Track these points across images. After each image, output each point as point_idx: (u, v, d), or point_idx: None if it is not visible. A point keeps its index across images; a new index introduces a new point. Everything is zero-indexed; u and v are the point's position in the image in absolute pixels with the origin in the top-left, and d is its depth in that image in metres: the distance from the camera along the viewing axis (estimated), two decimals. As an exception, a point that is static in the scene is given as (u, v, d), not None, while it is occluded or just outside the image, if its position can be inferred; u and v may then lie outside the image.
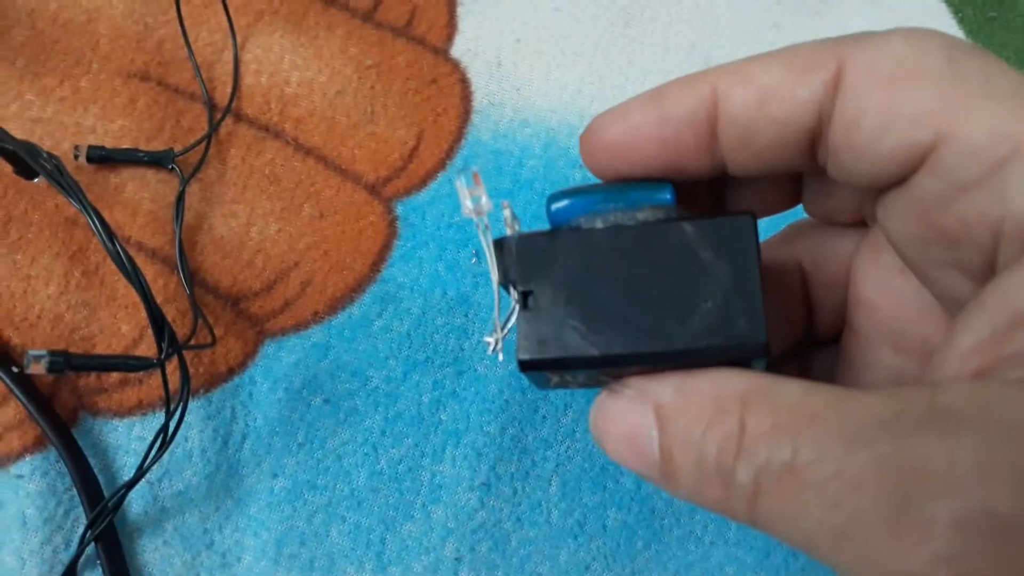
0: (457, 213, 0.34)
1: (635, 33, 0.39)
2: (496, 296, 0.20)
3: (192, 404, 0.30)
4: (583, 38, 0.39)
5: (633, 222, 0.19)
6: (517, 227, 0.20)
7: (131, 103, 0.35)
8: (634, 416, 0.19)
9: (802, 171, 0.20)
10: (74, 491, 0.29)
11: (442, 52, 0.38)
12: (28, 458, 0.29)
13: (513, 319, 0.19)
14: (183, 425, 0.28)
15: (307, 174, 0.34)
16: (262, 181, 0.34)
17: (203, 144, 0.34)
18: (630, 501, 0.30)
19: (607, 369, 0.19)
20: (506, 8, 0.39)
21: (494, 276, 0.19)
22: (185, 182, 0.33)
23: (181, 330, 0.31)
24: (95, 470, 0.29)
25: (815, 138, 0.19)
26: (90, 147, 0.33)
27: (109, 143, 0.34)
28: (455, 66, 0.37)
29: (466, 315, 0.33)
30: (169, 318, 0.28)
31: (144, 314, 0.28)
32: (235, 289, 0.32)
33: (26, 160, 0.28)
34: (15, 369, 0.29)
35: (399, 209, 0.34)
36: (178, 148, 0.34)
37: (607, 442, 0.19)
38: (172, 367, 0.29)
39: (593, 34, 0.39)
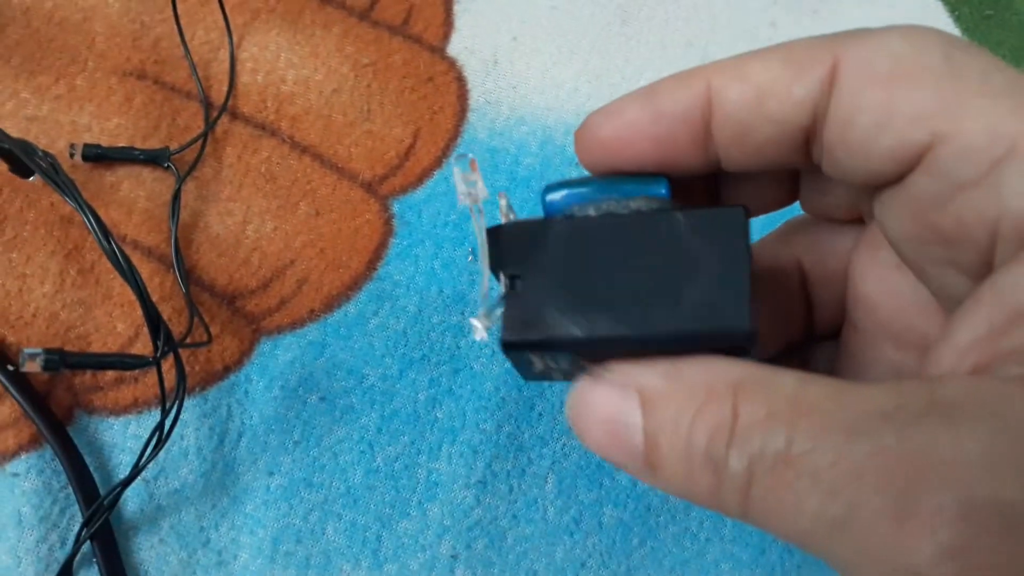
0: (453, 211, 0.34)
1: (632, 31, 0.39)
2: (485, 281, 0.19)
3: (188, 402, 0.30)
4: (580, 36, 0.39)
5: (626, 211, 0.19)
6: (513, 218, 0.20)
7: (127, 101, 0.35)
8: (616, 401, 0.18)
9: (797, 168, 0.20)
10: (70, 489, 0.29)
11: (438, 50, 0.38)
12: (24, 456, 0.29)
13: (501, 305, 0.19)
14: (179, 423, 0.28)
15: (303, 172, 0.34)
16: (258, 179, 0.34)
17: (199, 142, 0.34)
18: (626, 498, 0.30)
19: (590, 352, 0.18)
20: (503, 6, 0.39)
21: (484, 261, 0.19)
22: (181, 180, 0.33)
23: (177, 328, 0.31)
24: (91, 468, 0.29)
25: (810, 135, 0.19)
26: (86, 145, 0.33)
27: (105, 141, 0.34)
28: (451, 64, 0.37)
29: (462, 313, 0.33)
30: (165, 316, 0.28)
31: (140, 312, 0.27)
32: (231, 287, 0.32)
33: (22, 158, 0.28)
34: (10, 367, 0.29)
35: (395, 207, 0.34)
36: (174, 146, 0.34)
37: (585, 428, 0.19)
38: (168, 365, 0.29)
39: (590, 32, 0.39)
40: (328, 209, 0.34)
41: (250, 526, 0.29)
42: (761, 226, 0.25)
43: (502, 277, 0.19)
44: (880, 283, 0.21)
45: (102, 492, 0.29)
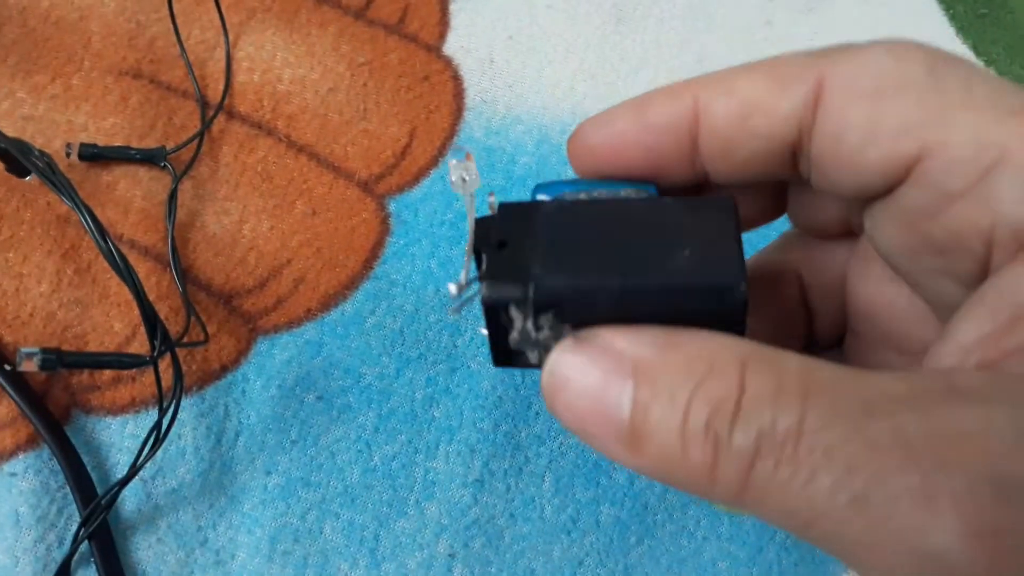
0: (450, 210, 0.34)
1: (627, 30, 0.39)
2: (468, 253, 0.19)
3: (185, 402, 0.30)
4: (575, 35, 0.39)
5: (616, 198, 0.20)
6: None
7: (123, 101, 0.35)
8: (604, 367, 0.17)
9: (784, 181, 0.21)
10: (67, 489, 0.29)
11: (435, 49, 0.38)
12: (21, 456, 0.29)
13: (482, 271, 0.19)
14: (176, 423, 0.28)
15: (299, 171, 0.34)
16: (255, 178, 0.34)
17: (195, 142, 0.34)
18: (623, 497, 0.31)
19: (575, 310, 0.18)
20: (498, 5, 0.39)
21: (469, 243, 0.19)
22: (177, 180, 0.33)
23: (174, 328, 0.31)
24: (88, 468, 0.29)
25: (796, 149, 0.19)
26: (82, 145, 0.33)
27: (101, 141, 0.34)
28: (447, 63, 0.38)
29: (459, 312, 0.33)
30: (162, 316, 0.28)
31: (137, 312, 0.27)
32: (228, 286, 0.32)
33: (18, 158, 0.28)
34: (7, 367, 0.29)
35: (392, 206, 0.34)
36: (170, 146, 0.34)
37: (563, 395, 0.17)
38: (165, 365, 0.29)
39: (585, 31, 0.39)
40: (324, 208, 0.34)
41: (248, 525, 0.29)
42: (755, 241, 0.25)
43: (489, 246, 0.19)
44: (876, 295, 0.22)
45: (100, 492, 0.29)
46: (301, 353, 0.32)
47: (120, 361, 0.28)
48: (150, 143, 0.34)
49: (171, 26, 0.36)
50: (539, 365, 0.19)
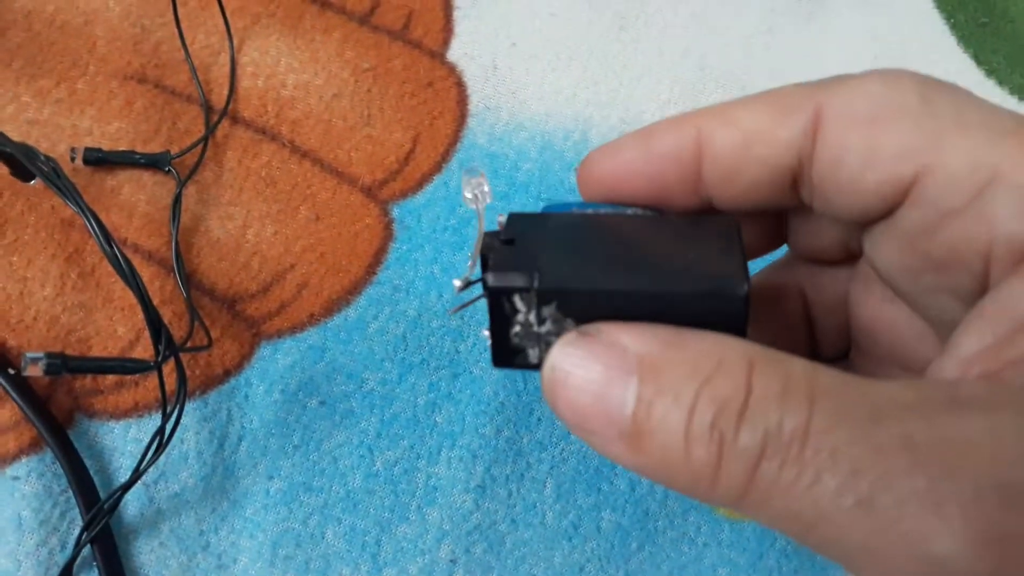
0: (453, 215, 0.34)
1: (630, 37, 0.40)
2: (477, 250, 0.19)
3: (188, 406, 0.30)
4: (578, 42, 0.39)
5: (623, 214, 0.21)
6: None
7: (128, 105, 0.35)
8: (608, 362, 0.16)
9: (784, 208, 0.21)
10: (70, 493, 0.29)
11: (438, 56, 0.38)
12: (24, 460, 0.29)
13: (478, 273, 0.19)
14: (179, 427, 0.28)
15: (303, 176, 0.35)
16: (258, 183, 0.34)
17: (200, 146, 0.34)
18: (624, 503, 0.31)
19: (579, 305, 0.18)
20: (502, 12, 0.39)
21: (476, 248, 0.19)
22: (182, 184, 0.33)
23: (177, 332, 0.31)
24: (91, 472, 0.29)
25: (796, 176, 0.20)
26: (87, 149, 0.33)
27: (106, 145, 0.34)
28: (451, 70, 0.38)
29: (462, 317, 0.33)
30: (165, 320, 0.28)
31: (140, 316, 0.28)
32: (231, 291, 0.32)
33: (23, 162, 0.28)
34: (11, 371, 0.29)
35: (395, 212, 0.34)
36: (175, 150, 0.34)
37: (564, 392, 0.17)
38: (168, 369, 0.29)
39: (588, 38, 0.39)
40: (328, 213, 0.34)
41: (250, 530, 0.29)
42: (760, 264, 0.25)
43: (496, 247, 0.19)
44: (877, 315, 0.22)
45: (102, 496, 0.29)
46: (304, 358, 0.32)
47: (124, 366, 0.28)
48: (154, 148, 0.34)
49: (176, 31, 0.36)
50: (539, 365, 0.19)
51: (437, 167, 0.35)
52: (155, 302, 0.28)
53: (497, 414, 0.31)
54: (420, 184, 0.35)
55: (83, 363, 0.28)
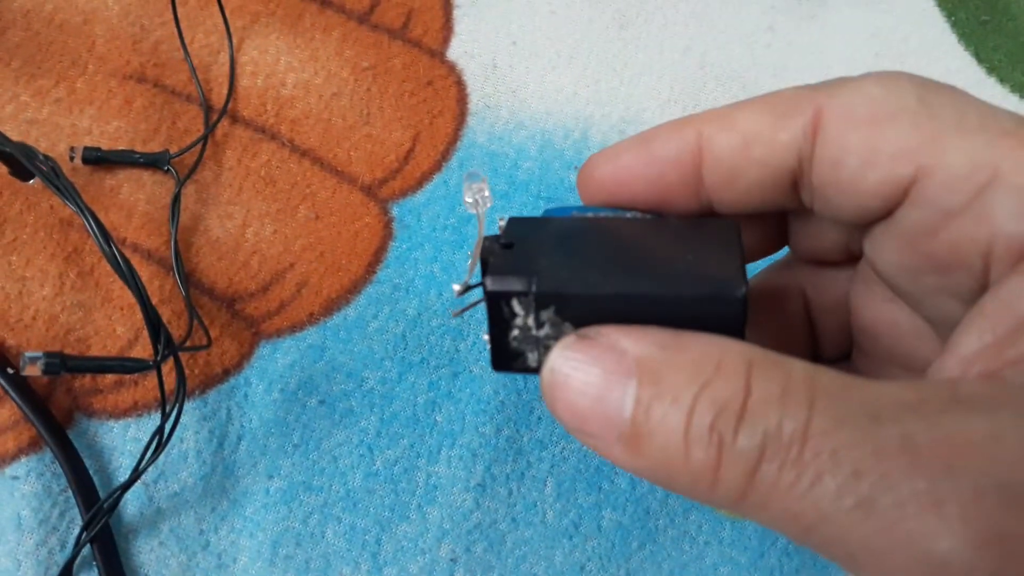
0: (453, 215, 0.34)
1: (630, 36, 0.40)
2: (476, 255, 0.19)
3: (187, 405, 0.30)
4: (579, 41, 0.39)
5: (623, 217, 0.21)
6: None
7: (127, 104, 0.35)
8: (605, 366, 0.17)
9: (784, 209, 0.21)
10: (69, 492, 0.29)
11: (438, 54, 0.38)
12: (23, 459, 0.29)
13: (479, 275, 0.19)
14: (179, 426, 0.28)
15: (303, 176, 0.34)
16: (258, 183, 0.34)
17: (199, 146, 0.34)
18: (625, 502, 0.31)
19: (578, 308, 0.18)
20: (502, 11, 0.39)
21: (476, 251, 0.19)
22: (181, 184, 0.33)
23: (177, 331, 0.31)
24: (90, 471, 0.29)
25: (796, 178, 0.20)
26: (86, 148, 0.33)
27: (105, 145, 0.34)
28: (451, 68, 0.38)
29: (462, 317, 0.33)
30: (165, 319, 0.28)
31: (139, 315, 0.28)
32: (231, 290, 0.32)
33: (22, 162, 0.28)
34: (10, 371, 0.29)
35: (395, 211, 0.34)
36: (174, 150, 0.34)
37: (563, 395, 0.17)
38: (168, 368, 0.29)
39: (588, 37, 0.39)
40: (328, 212, 0.34)
41: (250, 529, 0.29)
42: (759, 267, 0.25)
43: (495, 250, 0.19)
44: (878, 316, 0.22)
45: (102, 495, 0.29)
46: (303, 357, 0.32)
47: (123, 365, 0.28)
48: (154, 147, 0.34)
49: (175, 30, 0.36)
50: (538, 369, 0.19)
51: (437, 166, 0.35)
52: (154, 301, 0.28)
53: (497, 413, 0.31)
54: (420, 183, 0.35)
55: (82, 362, 0.28)
